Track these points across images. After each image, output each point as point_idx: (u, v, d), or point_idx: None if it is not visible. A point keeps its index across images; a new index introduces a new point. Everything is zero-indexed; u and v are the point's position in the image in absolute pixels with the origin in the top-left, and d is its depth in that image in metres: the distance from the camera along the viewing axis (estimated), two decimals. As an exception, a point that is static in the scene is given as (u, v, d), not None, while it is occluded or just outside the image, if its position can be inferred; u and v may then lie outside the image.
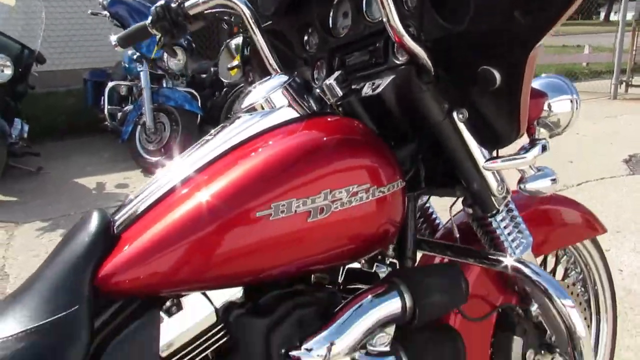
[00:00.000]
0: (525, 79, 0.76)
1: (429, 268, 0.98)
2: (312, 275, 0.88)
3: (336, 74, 0.87)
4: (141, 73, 4.10)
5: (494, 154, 0.94)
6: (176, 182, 0.77)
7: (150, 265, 0.70)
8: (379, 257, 0.97)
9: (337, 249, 0.79)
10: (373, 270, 0.96)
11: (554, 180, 0.93)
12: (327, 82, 0.86)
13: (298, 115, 0.86)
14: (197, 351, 0.76)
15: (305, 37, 1.10)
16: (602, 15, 32.35)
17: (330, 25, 1.04)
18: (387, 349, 0.80)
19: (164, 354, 0.73)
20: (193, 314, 0.76)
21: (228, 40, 4.27)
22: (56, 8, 6.36)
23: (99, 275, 0.70)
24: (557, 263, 1.32)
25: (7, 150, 3.85)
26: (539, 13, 0.71)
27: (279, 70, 1.08)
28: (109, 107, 4.52)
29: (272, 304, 0.79)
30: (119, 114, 4.49)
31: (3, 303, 0.71)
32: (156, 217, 0.74)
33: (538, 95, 0.96)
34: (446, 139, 0.90)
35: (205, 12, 1.11)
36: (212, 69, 4.89)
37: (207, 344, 0.77)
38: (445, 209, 1.07)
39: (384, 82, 0.86)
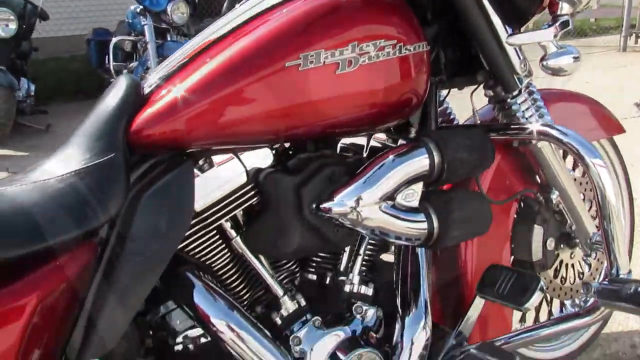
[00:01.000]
0: None
1: (456, 129, 0.98)
2: (339, 145, 0.90)
3: None
4: (145, 27, 4.05)
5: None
6: (203, 45, 0.78)
7: (180, 119, 0.71)
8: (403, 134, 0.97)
9: (364, 110, 0.80)
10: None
11: (576, 58, 0.93)
12: None
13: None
14: (227, 209, 0.78)
15: None
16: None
17: None
18: (415, 205, 0.81)
19: (197, 209, 0.75)
20: (225, 173, 0.77)
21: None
22: (59, -30, 6.26)
23: (131, 130, 0.71)
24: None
25: (16, 107, 3.86)
26: None
27: None
28: (114, 64, 4.48)
29: (302, 163, 0.80)
30: (125, 71, 4.46)
31: (47, 156, 0.74)
32: (185, 76, 0.75)
33: None
34: (469, 14, 0.89)
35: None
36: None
37: (237, 202, 0.78)
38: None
39: None
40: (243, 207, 0.78)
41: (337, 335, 0.84)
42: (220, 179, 0.77)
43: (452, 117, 1.27)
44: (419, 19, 0.89)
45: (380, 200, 0.77)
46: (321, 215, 0.77)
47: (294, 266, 0.88)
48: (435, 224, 0.81)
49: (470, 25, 0.90)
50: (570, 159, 1.26)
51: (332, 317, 0.87)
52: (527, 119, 0.98)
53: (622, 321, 1.55)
